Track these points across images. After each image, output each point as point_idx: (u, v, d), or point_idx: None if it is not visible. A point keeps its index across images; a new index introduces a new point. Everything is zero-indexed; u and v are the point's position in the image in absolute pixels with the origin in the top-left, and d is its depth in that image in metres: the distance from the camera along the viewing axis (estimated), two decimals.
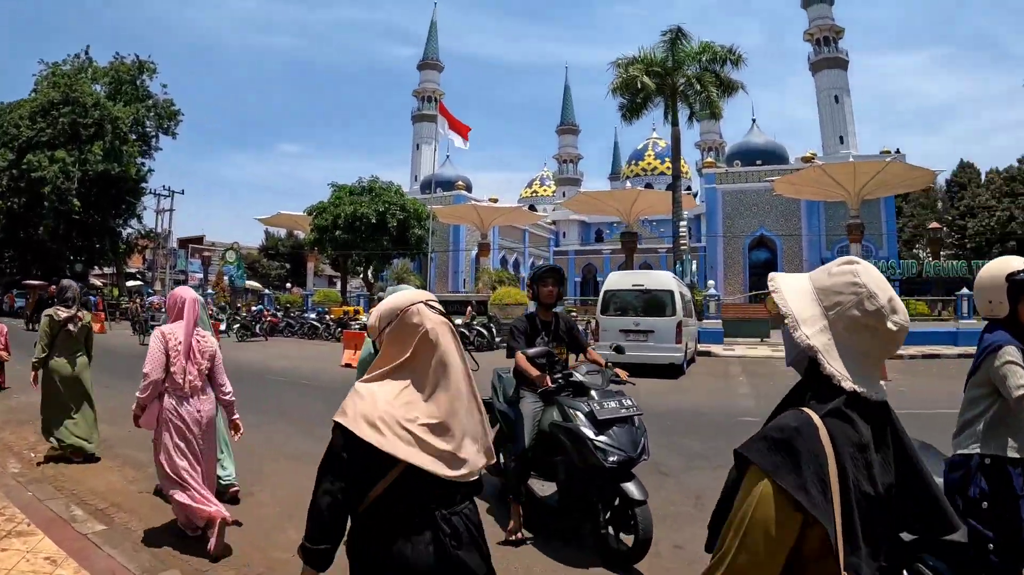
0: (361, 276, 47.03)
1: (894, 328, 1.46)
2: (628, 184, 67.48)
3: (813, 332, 1.48)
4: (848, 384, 1.42)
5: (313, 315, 34.00)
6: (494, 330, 26.08)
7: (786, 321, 1.52)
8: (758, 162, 53.08)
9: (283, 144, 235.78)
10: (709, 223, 50.84)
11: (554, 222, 73.82)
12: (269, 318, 31.42)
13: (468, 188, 60.90)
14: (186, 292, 5.36)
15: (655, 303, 16.86)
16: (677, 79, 33.40)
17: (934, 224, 47.46)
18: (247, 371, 16.45)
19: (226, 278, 49.33)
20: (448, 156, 67.25)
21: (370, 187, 43.03)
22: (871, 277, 1.49)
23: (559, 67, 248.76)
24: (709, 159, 58.82)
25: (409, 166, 76.87)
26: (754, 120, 61.17)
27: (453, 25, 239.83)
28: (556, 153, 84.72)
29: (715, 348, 24.00)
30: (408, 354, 2.17)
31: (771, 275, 1.66)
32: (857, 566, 1.31)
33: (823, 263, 1.71)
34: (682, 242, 34.19)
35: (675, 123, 34.29)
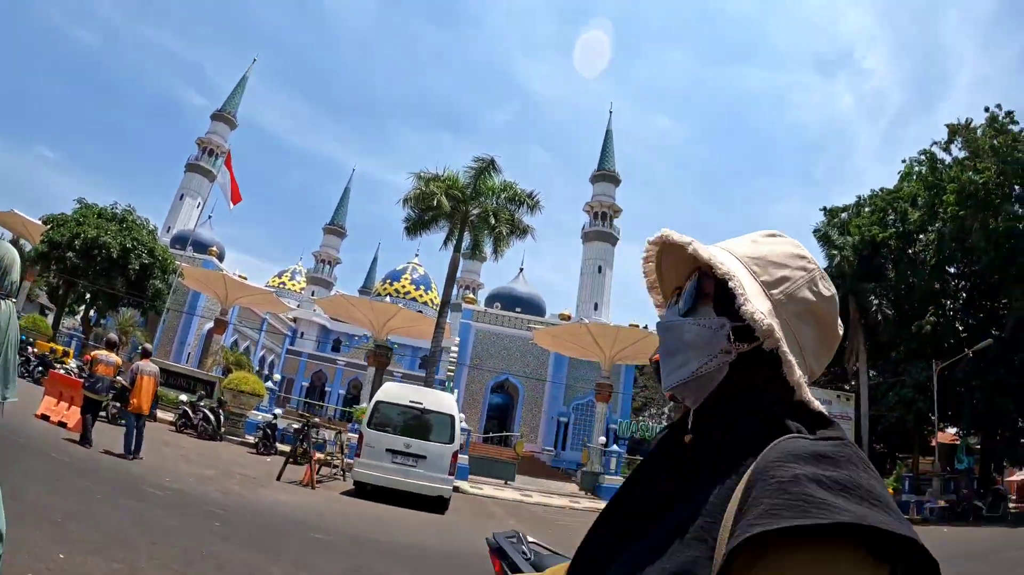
0: (80, 316, 41.05)
1: (840, 333, 1.02)
2: (388, 300, 66.41)
3: (766, 311, 0.93)
4: (816, 403, 0.91)
5: None
6: (222, 417, 22.91)
7: (732, 284, 0.94)
8: (517, 309, 54.05)
9: (41, 146, 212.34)
10: (460, 358, 50.28)
11: (295, 319, 70.32)
12: None
13: (220, 257, 56.68)
14: None
15: (431, 426, 15.20)
16: (472, 208, 33.21)
17: None
18: None
19: None
20: (210, 217, 62.84)
21: (123, 217, 37.85)
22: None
23: (337, 167, 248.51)
24: (470, 295, 59.03)
25: (165, 215, 68.83)
26: (522, 269, 62.85)
27: (253, 87, 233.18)
28: (317, 251, 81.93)
29: (462, 484, 22.51)
30: None
31: (668, 231, 1.05)
32: None
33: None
34: (450, 371, 33.18)
35: (458, 249, 33.80)
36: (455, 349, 50.10)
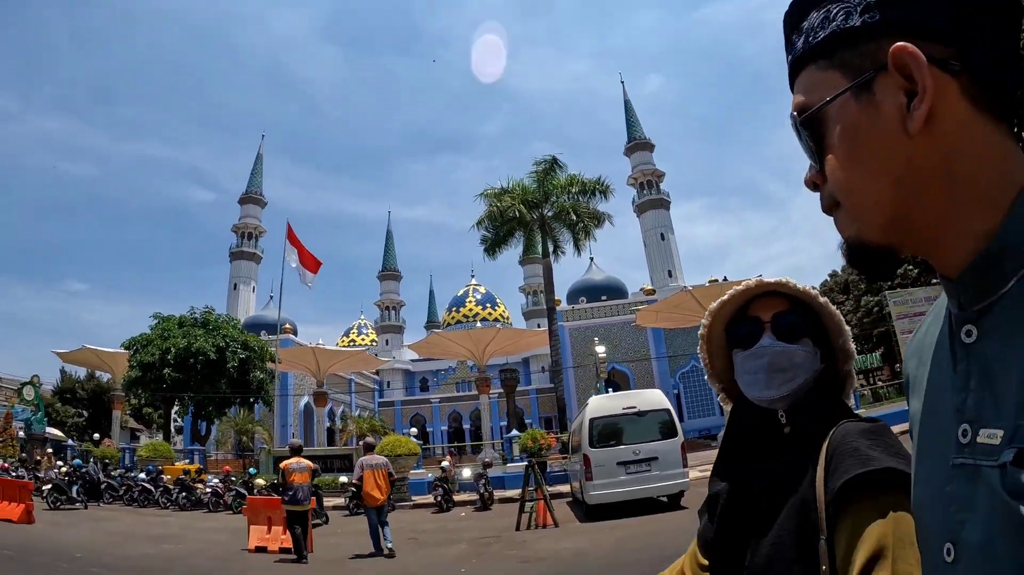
0: (183, 426, 40.48)
1: None
2: (479, 325, 66.16)
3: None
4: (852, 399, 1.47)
5: (143, 475, 25.33)
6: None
7: (846, 330, 1.40)
8: (603, 298, 53.56)
9: (70, 281, 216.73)
10: (562, 360, 49.96)
11: (377, 371, 70.05)
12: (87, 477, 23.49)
13: (295, 333, 56.67)
14: None
15: (654, 425, 14.65)
16: (546, 210, 32.68)
17: None
18: (116, 567, 10.98)
19: (15, 422, 39.69)
20: (272, 297, 62.85)
21: (205, 319, 37.40)
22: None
23: (357, 219, 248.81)
24: (556, 298, 58.65)
25: (224, 310, 68.26)
26: (592, 259, 62.14)
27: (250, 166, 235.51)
28: (378, 299, 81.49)
29: None
30: None
31: (785, 279, 1.44)
32: None
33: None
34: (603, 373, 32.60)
35: (546, 254, 33.38)
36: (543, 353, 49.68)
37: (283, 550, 12.82)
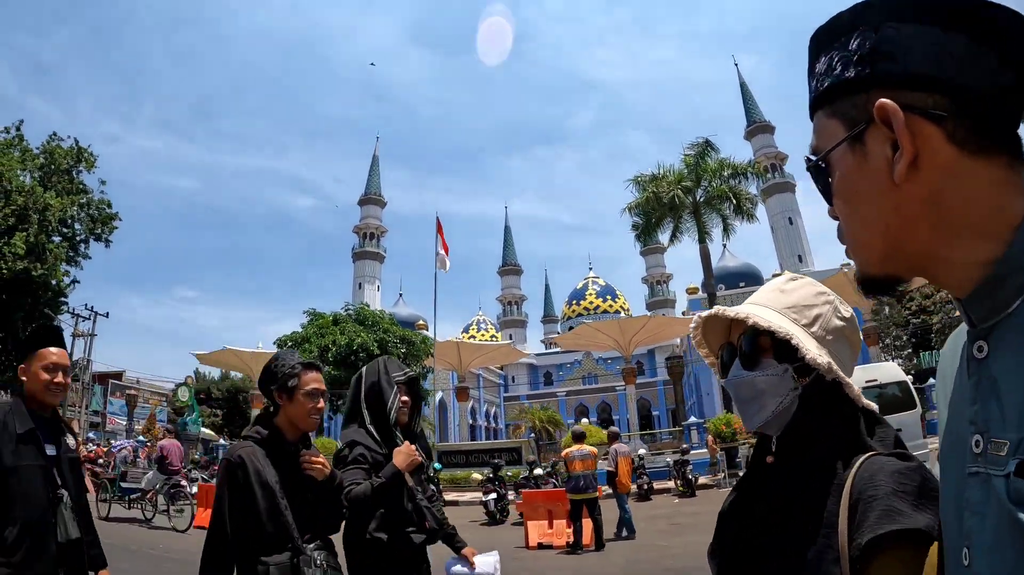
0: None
1: (859, 338, 1.35)
2: (578, 322, 66.10)
3: (816, 350, 1.22)
4: (870, 403, 1.25)
5: None
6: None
7: (794, 342, 1.22)
8: (741, 284, 53.01)
9: (179, 288, 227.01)
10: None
11: (502, 367, 70.53)
12: None
13: (425, 329, 57.83)
14: None
15: (894, 398, 14.50)
16: (698, 194, 32.54)
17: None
18: None
19: (160, 423, 38.96)
20: (400, 295, 64.37)
21: (359, 315, 37.88)
22: (826, 286, 1.35)
23: (460, 218, 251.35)
24: (692, 285, 58.36)
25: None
26: (725, 245, 61.52)
27: (353, 173, 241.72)
28: (499, 295, 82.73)
29: None
30: None
31: (721, 308, 1.39)
32: None
33: None
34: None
35: (702, 240, 33.09)
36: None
37: (572, 546, 12.03)
